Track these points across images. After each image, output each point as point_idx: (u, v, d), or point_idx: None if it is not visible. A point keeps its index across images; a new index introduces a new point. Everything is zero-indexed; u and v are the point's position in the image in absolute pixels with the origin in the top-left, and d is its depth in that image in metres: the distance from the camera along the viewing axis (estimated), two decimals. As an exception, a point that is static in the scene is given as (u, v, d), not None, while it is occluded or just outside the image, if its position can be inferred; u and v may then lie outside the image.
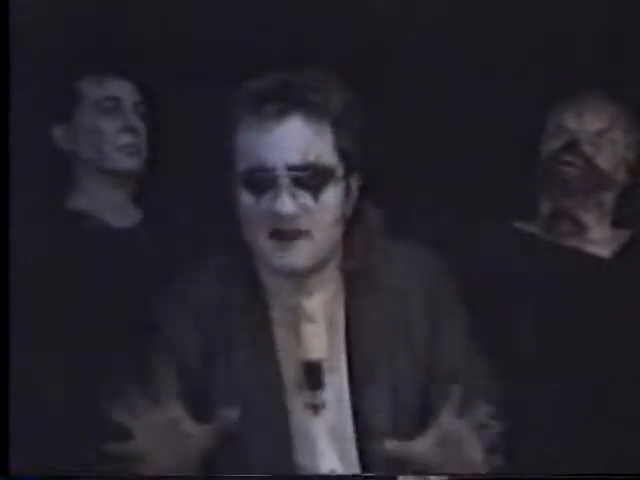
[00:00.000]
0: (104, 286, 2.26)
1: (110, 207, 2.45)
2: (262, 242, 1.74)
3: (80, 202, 2.45)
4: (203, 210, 2.34)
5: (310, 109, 1.73)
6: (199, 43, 2.58)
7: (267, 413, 1.76)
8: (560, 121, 2.38)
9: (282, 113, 1.72)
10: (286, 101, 1.72)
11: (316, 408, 1.77)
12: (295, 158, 1.72)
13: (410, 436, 1.74)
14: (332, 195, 1.75)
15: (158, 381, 1.78)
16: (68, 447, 2.12)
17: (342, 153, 1.76)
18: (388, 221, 1.88)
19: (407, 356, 1.81)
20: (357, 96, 1.78)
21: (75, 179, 2.47)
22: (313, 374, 1.76)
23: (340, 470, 1.75)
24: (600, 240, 2.36)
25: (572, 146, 2.34)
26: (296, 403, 1.78)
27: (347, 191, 1.78)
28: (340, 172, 1.76)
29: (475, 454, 1.67)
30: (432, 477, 1.69)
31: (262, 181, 1.72)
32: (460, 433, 1.66)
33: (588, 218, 2.36)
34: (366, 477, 1.74)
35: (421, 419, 1.80)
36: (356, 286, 1.83)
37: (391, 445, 1.65)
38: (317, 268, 1.77)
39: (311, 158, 1.72)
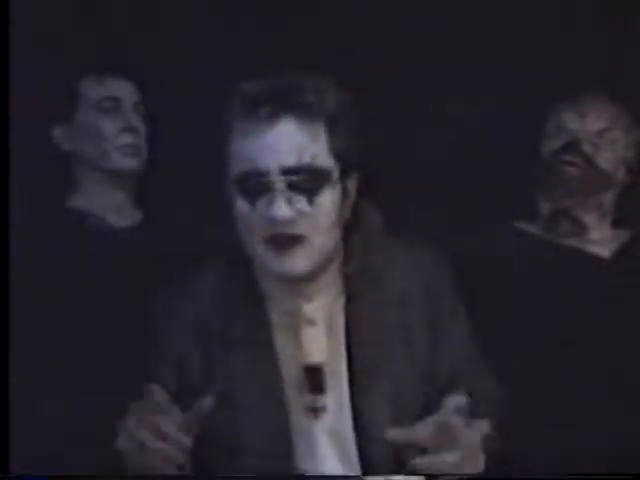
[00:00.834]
0: (104, 286, 2.26)
1: (110, 207, 2.45)
2: (259, 248, 1.72)
3: (80, 202, 2.45)
4: (203, 210, 2.34)
5: (303, 111, 1.71)
6: (199, 43, 2.58)
7: (267, 417, 1.76)
8: (560, 121, 2.38)
9: (275, 116, 1.70)
10: (279, 103, 1.70)
11: (316, 412, 1.77)
12: (289, 160, 1.70)
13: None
14: (328, 198, 1.73)
15: (157, 383, 1.78)
16: (68, 447, 2.12)
17: (338, 154, 1.74)
18: (388, 222, 1.88)
19: (407, 358, 1.81)
20: (354, 96, 1.78)
21: (75, 179, 2.47)
22: (314, 378, 1.75)
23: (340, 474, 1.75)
24: (600, 240, 2.36)
25: (572, 146, 2.34)
26: (296, 407, 1.77)
27: (344, 193, 1.77)
28: (336, 174, 1.74)
29: (474, 442, 1.65)
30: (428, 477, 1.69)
31: (256, 186, 1.70)
32: (458, 424, 1.64)
33: (588, 218, 2.36)
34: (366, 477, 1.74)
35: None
36: (356, 289, 1.82)
37: (393, 433, 1.64)
38: (317, 272, 1.76)
39: (306, 160, 1.70)
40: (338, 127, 1.74)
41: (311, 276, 1.76)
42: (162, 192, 2.52)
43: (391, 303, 1.82)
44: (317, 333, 1.79)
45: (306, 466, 1.76)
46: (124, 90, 2.47)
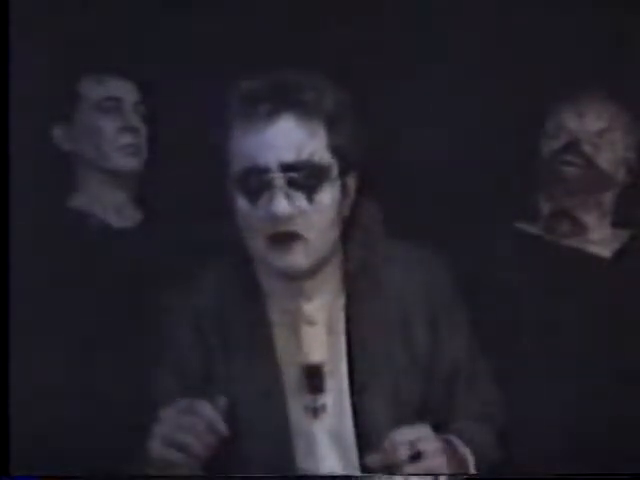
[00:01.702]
0: (104, 286, 2.26)
1: (110, 207, 2.45)
2: (261, 245, 1.73)
3: (80, 202, 2.45)
4: (203, 210, 2.34)
5: (303, 108, 1.71)
6: (199, 43, 2.58)
7: (267, 416, 1.76)
8: (560, 121, 2.38)
9: (274, 113, 1.70)
10: (279, 101, 1.70)
11: (316, 411, 1.77)
12: (289, 157, 1.70)
13: None
14: (328, 195, 1.74)
15: (158, 382, 1.79)
16: (68, 447, 2.12)
17: (337, 152, 1.75)
18: (387, 222, 1.88)
19: (407, 358, 1.81)
20: (355, 96, 1.78)
21: (75, 179, 2.47)
22: (314, 378, 1.76)
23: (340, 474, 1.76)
24: (600, 240, 2.36)
25: (572, 146, 2.34)
26: (296, 406, 1.77)
27: (344, 191, 1.77)
28: (335, 171, 1.75)
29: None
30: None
31: (256, 183, 1.71)
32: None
33: (588, 218, 2.36)
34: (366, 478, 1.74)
35: (421, 421, 1.80)
36: (356, 288, 1.82)
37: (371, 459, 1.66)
38: (316, 269, 1.76)
39: (304, 156, 1.71)
40: (337, 125, 1.74)
41: (310, 273, 1.76)
42: (162, 192, 2.52)
43: (391, 302, 1.82)
44: (317, 333, 1.79)
45: (306, 465, 1.76)
46: (124, 90, 2.47)
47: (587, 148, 2.34)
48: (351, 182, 1.79)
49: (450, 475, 1.69)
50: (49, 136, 2.45)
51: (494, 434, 1.87)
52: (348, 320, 1.81)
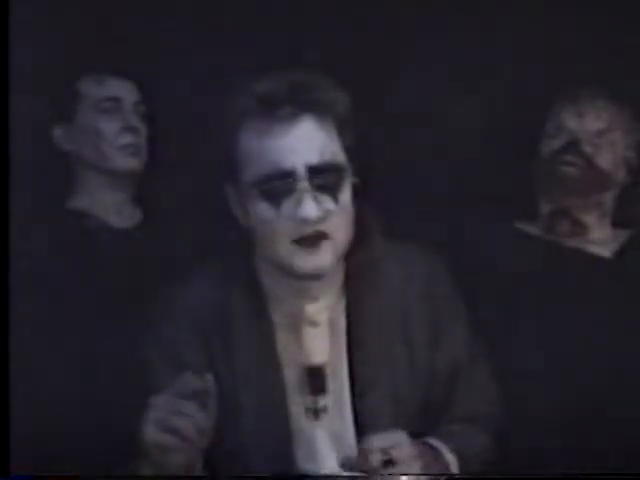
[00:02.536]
0: (104, 286, 2.26)
1: (110, 207, 2.45)
2: (285, 249, 1.71)
3: (80, 202, 2.45)
4: (203, 210, 2.34)
5: (321, 110, 1.71)
6: (199, 43, 2.58)
7: (268, 417, 1.76)
8: (560, 121, 2.38)
9: (295, 115, 1.69)
10: (298, 103, 1.69)
11: (317, 412, 1.77)
12: (314, 159, 1.69)
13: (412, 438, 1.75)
14: (348, 195, 1.74)
15: (158, 382, 1.78)
16: (68, 447, 2.12)
17: (348, 152, 1.75)
18: (387, 222, 1.88)
19: (408, 359, 1.81)
20: (357, 95, 1.78)
21: (75, 179, 2.47)
22: (316, 379, 1.75)
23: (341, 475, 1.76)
24: (600, 240, 2.36)
25: (572, 146, 2.34)
26: (297, 407, 1.77)
27: (355, 191, 1.76)
28: (350, 171, 1.75)
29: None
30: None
31: (281, 187, 1.69)
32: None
33: (588, 218, 2.36)
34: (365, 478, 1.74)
35: (422, 422, 1.80)
36: (357, 288, 1.82)
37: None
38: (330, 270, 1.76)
39: (327, 158, 1.70)
40: (346, 125, 1.74)
41: (328, 273, 1.75)
42: (162, 192, 2.52)
43: (391, 303, 1.82)
44: (320, 334, 1.79)
45: (306, 466, 1.76)
46: (124, 90, 2.47)
47: (587, 148, 2.34)
48: (358, 182, 1.78)
49: (451, 475, 1.70)
50: (49, 136, 2.45)
51: (493, 434, 1.87)
52: (349, 321, 1.81)
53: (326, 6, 2.59)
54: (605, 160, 2.35)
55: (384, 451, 1.64)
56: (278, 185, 1.69)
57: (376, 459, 1.63)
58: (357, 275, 1.82)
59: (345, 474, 1.70)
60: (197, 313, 1.80)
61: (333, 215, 1.71)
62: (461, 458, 1.77)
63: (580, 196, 2.34)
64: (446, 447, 1.76)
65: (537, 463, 2.04)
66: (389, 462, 1.63)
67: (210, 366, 1.77)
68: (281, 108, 1.68)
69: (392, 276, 1.83)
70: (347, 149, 1.75)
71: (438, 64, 2.58)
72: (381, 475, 1.63)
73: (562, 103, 2.40)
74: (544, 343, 2.19)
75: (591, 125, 2.35)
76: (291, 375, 1.78)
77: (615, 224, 2.40)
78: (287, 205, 1.69)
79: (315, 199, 1.69)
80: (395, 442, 1.65)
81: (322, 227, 1.70)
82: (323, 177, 1.70)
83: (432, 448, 1.74)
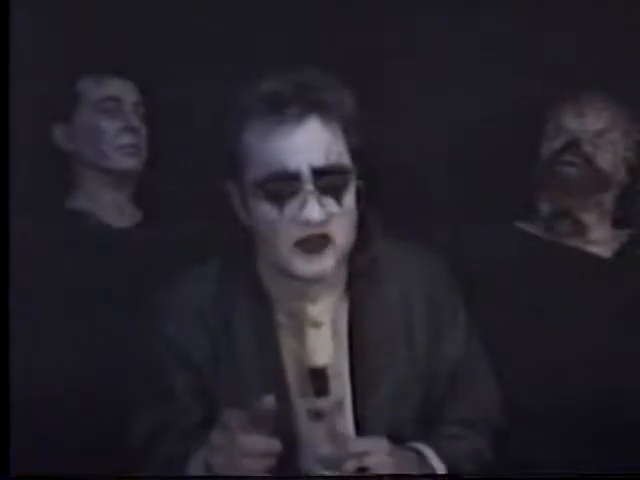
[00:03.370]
0: (104, 286, 2.26)
1: (110, 207, 2.45)
2: (286, 251, 1.70)
3: (80, 202, 2.45)
4: (203, 210, 2.34)
5: (326, 110, 1.69)
6: (199, 43, 2.58)
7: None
8: (560, 121, 2.38)
9: (302, 115, 1.67)
10: (304, 102, 1.67)
11: (319, 414, 1.76)
12: (319, 161, 1.67)
13: (412, 440, 1.75)
14: (351, 198, 1.73)
15: (158, 383, 1.78)
16: (68, 447, 2.12)
17: (353, 154, 1.73)
18: (388, 223, 1.88)
19: (409, 361, 1.81)
20: (360, 96, 1.77)
21: (75, 179, 2.47)
22: (318, 380, 1.73)
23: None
24: (600, 240, 2.36)
25: (572, 146, 2.34)
26: (299, 408, 1.77)
27: (358, 193, 1.75)
28: (354, 173, 1.74)
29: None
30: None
31: (286, 188, 1.68)
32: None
33: (588, 218, 2.36)
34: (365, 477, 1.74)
35: (423, 423, 1.80)
36: (358, 289, 1.82)
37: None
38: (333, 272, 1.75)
39: (332, 159, 1.69)
40: (351, 126, 1.73)
41: (327, 275, 1.74)
42: (162, 192, 2.52)
43: (392, 305, 1.82)
44: (322, 335, 1.78)
45: (308, 467, 1.76)
46: (124, 90, 2.47)
47: (587, 148, 2.34)
48: (362, 184, 1.76)
49: (451, 475, 1.70)
50: (49, 136, 2.45)
51: (492, 436, 1.87)
52: (351, 322, 1.81)
53: (326, 6, 2.59)
54: (605, 160, 2.35)
55: (359, 457, 1.63)
56: (282, 186, 1.68)
57: (350, 465, 1.63)
58: (359, 276, 1.82)
59: (327, 474, 1.70)
60: (198, 313, 1.80)
61: (336, 218, 1.69)
62: (458, 461, 1.77)
63: (580, 196, 2.34)
64: (434, 453, 1.75)
65: (537, 463, 2.04)
66: (362, 469, 1.63)
67: (213, 366, 1.77)
68: (287, 108, 1.67)
69: (393, 277, 1.83)
70: (353, 150, 1.73)
71: (438, 64, 2.58)
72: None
73: (562, 103, 2.40)
74: (544, 343, 2.19)
75: (591, 125, 2.35)
76: (294, 376, 1.77)
77: (615, 224, 2.40)
78: (291, 207, 1.68)
79: (319, 202, 1.67)
80: (372, 448, 1.65)
81: (325, 230, 1.69)
82: (328, 179, 1.68)
83: (418, 454, 1.73)
